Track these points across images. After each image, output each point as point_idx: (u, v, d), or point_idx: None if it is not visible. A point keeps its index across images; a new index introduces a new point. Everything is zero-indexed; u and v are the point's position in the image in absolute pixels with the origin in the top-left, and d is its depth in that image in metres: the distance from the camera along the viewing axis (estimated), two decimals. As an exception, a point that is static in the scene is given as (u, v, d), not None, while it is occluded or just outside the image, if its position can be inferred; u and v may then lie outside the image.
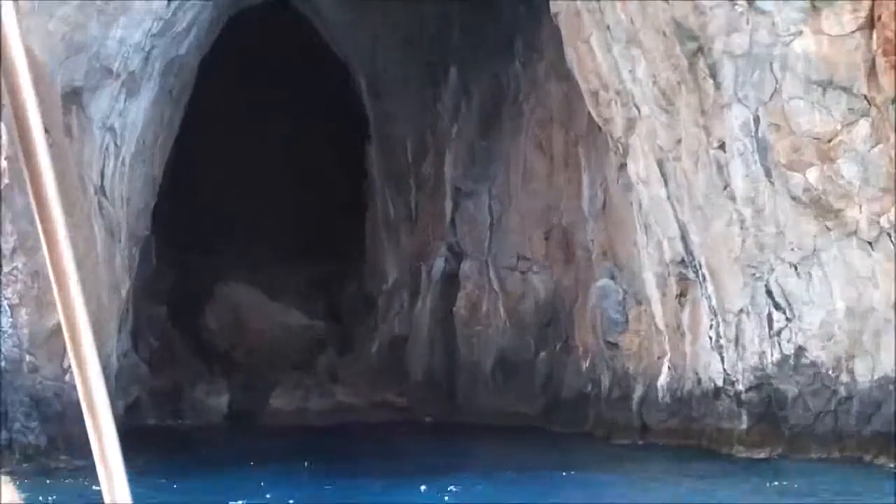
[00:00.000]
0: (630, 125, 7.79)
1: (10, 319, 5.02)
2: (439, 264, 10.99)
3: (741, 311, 7.28)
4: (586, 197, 9.37)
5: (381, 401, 11.07)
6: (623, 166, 8.13)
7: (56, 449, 5.43)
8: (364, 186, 12.53)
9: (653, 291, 8.06)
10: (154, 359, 10.78)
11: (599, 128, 8.54)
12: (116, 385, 6.92)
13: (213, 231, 16.21)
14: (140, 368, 8.61)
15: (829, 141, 6.77)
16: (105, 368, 6.72)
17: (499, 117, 10.45)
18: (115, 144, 6.88)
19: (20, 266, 5.10)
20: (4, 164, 5.07)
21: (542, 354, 9.94)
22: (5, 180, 5.08)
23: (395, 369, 11.43)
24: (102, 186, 6.75)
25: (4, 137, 5.11)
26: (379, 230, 12.28)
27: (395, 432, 9.86)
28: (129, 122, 7.00)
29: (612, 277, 8.81)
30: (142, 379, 8.73)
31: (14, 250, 5.08)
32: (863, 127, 6.64)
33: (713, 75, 7.09)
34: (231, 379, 11.25)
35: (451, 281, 10.94)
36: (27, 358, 5.06)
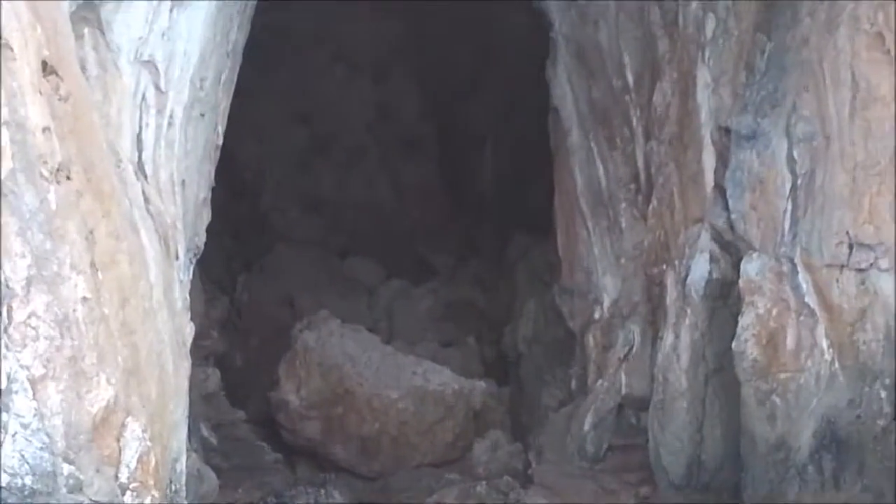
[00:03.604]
0: None
1: (33, 403, 5.08)
2: (700, 267, 10.74)
3: None
4: (974, 128, 9.17)
5: (613, 514, 11.07)
6: None
7: None
8: (549, 138, 12.45)
9: None
10: (214, 460, 10.92)
11: None
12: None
13: (285, 227, 16.58)
14: (204, 479, 8.72)
15: None
16: (171, 484, 6.73)
17: (793, -6, 10.23)
18: (158, 89, 6.88)
19: (40, 310, 5.15)
20: (5, 140, 5.17)
21: (908, 419, 9.69)
22: (6, 164, 5.14)
23: (632, 458, 11.37)
24: (141, 162, 6.78)
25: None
26: (579, 212, 12.16)
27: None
28: (179, 51, 6.95)
29: None
30: (208, 495, 8.85)
31: (28, 283, 5.13)
32: None
33: None
34: (342, 486, 11.34)
35: (723, 295, 10.71)
36: (64, 468, 5.12)
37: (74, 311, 5.43)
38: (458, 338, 14.64)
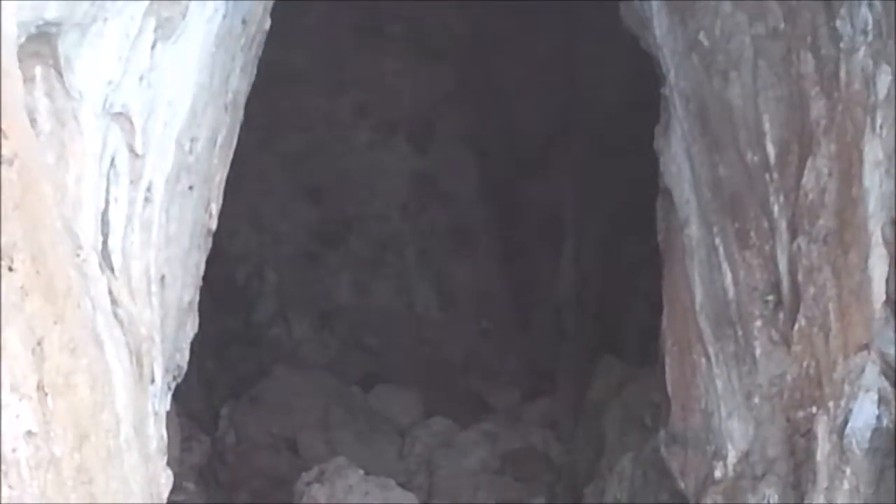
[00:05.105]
0: None
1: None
2: (865, 411, 10.56)
3: None
4: None
5: None
6: None
7: None
8: (656, 231, 12.41)
9: None
10: None
11: None
12: None
13: (287, 344, 16.63)
14: None
15: None
16: None
17: None
18: (133, 152, 6.89)
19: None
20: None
21: None
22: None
23: None
24: (107, 251, 6.80)
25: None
26: (696, 333, 12.09)
27: None
28: (162, 101, 7.01)
29: None
30: None
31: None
32: None
33: None
34: None
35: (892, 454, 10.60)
36: None
37: (14, 450, 5.40)
38: (523, 500, 14.61)
